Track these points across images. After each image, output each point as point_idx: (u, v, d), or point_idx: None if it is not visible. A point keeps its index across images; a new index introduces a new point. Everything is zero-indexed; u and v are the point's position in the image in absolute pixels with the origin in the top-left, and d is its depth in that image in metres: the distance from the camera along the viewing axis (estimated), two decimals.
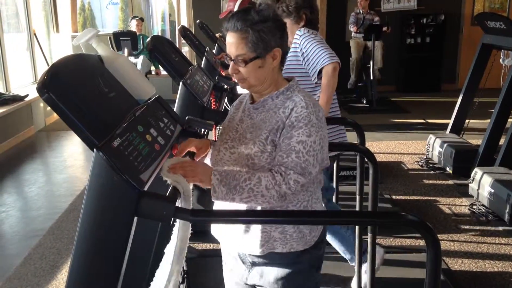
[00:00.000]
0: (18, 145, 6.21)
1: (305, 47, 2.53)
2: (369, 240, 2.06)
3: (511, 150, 4.19)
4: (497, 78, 5.62)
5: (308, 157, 1.46)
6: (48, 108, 7.26)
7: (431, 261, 1.25)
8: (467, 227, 3.70)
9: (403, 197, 4.27)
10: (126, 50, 6.67)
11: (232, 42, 1.53)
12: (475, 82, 5.01)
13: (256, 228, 1.54)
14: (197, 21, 4.48)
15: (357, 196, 2.35)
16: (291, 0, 2.63)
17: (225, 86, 2.95)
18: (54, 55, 8.38)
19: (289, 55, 2.64)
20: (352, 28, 7.87)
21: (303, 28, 2.61)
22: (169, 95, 8.60)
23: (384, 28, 7.53)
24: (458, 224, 3.73)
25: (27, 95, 6.48)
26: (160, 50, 2.36)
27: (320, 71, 2.49)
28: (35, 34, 7.52)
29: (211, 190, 1.44)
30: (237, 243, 1.61)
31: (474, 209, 3.95)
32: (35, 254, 3.45)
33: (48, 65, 7.84)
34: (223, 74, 3.38)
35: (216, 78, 3.06)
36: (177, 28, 9.90)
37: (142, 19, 7.13)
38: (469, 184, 4.16)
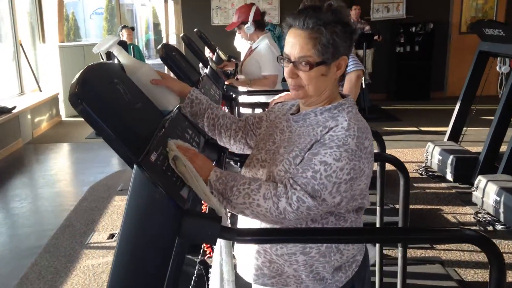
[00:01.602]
0: (6, 159, 6.01)
1: None
2: (400, 255, 1.97)
3: None
4: (491, 85, 5.65)
5: (327, 181, 1.24)
6: (36, 119, 7.07)
7: (496, 279, 1.18)
8: None
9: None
10: (116, 60, 6.51)
11: (297, 41, 1.33)
12: (472, 89, 5.01)
13: (267, 257, 1.39)
14: (195, 30, 4.39)
15: (378, 208, 2.26)
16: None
17: (233, 95, 2.87)
18: (41, 66, 8.20)
19: None
20: None
21: None
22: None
23: (375, 37, 7.54)
24: None
25: (14, 107, 6.29)
26: (172, 58, 2.27)
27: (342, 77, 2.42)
28: (21, 45, 7.34)
29: (208, 186, 1.27)
30: (248, 271, 1.45)
31: (479, 217, 3.91)
32: (32, 273, 3.28)
33: (34, 76, 7.66)
34: (227, 83, 3.29)
35: (224, 87, 2.98)
36: (168, 37, 9.80)
37: (132, 28, 7.00)
38: (473, 192, 4.12)
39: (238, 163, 1.84)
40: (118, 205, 4.36)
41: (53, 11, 8.14)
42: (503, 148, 4.51)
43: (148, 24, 21.27)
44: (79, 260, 3.42)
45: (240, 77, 3.63)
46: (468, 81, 4.98)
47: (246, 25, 3.55)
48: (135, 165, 1.11)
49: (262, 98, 3.15)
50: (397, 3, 8.65)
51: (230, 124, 1.62)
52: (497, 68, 4.98)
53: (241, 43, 6.94)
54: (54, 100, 7.88)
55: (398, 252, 2.00)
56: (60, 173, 5.57)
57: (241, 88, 3.38)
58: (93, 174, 5.30)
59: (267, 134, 1.51)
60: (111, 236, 3.76)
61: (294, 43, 1.34)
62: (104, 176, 5.20)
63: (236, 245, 1.47)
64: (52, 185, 5.14)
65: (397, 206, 4.19)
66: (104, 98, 1.23)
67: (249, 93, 3.31)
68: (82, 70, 1.26)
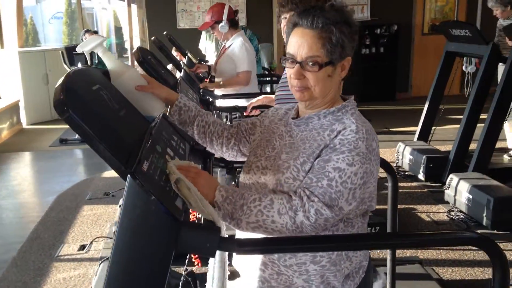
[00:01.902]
0: None
1: None
2: (388, 258, 1.95)
3: (483, 156, 4.26)
4: (454, 85, 5.75)
5: (343, 188, 1.21)
6: None
7: (499, 281, 1.16)
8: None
9: (381, 206, 4.21)
10: (80, 65, 6.34)
11: (305, 41, 1.29)
12: (440, 89, 5.09)
13: (275, 269, 1.33)
14: (165, 33, 4.30)
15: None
16: (312, 2, 2.51)
17: (210, 99, 2.80)
18: (0, 72, 7.89)
19: None
20: None
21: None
22: None
23: None
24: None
25: None
26: (148, 62, 2.18)
27: None
28: None
29: (214, 207, 1.21)
30: (254, 284, 1.38)
31: (452, 215, 3.96)
32: None
33: None
34: (201, 86, 3.22)
35: (201, 91, 2.91)
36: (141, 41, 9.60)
37: (96, 32, 6.83)
38: (445, 191, 4.17)
39: (225, 169, 1.79)
40: (88, 215, 4.21)
41: (11, 16, 7.85)
42: (472, 146, 4.60)
43: (109, 28, 20.87)
44: (49, 273, 3.28)
45: (217, 79, 3.58)
46: (436, 81, 5.06)
47: (221, 24, 3.51)
48: (128, 176, 1.03)
49: (239, 102, 3.10)
50: (361, 5, 8.76)
51: (221, 131, 1.55)
52: (464, 68, 5.07)
53: (206, 45, 6.88)
54: (14, 108, 7.59)
55: (387, 255, 1.98)
56: (24, 183, 5.35)
57: (217, 92, 3.32)
58: (59, 183, 5.11)
59: (264, 140, 1.45)
60: (82, 247, 3.62)
61: (302, 42, 1.30)
62: (70, 185, 5.03)
63: (239, 257, 1.40)
64: (15, 196, 4.94)
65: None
66: (89, 105, 1.16)
67: (225, 96, 3.25)
68: (65, 76, 1.18)
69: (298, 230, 1.19)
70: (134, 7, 9.23)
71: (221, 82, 3.41)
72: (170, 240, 1.06)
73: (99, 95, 1.28)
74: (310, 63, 1.29)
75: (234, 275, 1.43)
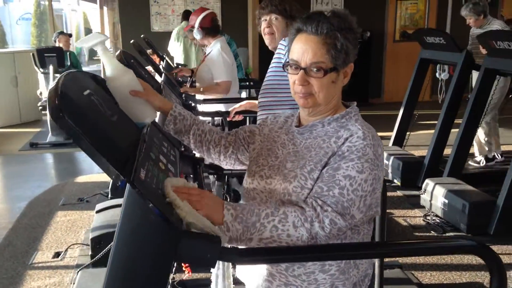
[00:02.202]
0: None
1: None
2: (377, 264, 1.96)
3: (458, 161, 4.34)
4: (425, 91, 5.85)
5: (354, 196, 1.20)
6: None
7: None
8: (426, 239, 3.74)
9: None
10: (51, 67, 6.20)
11: (309, 47, 1.28)
12: (414, 95, 5.17)
13: (283, 280, 1.31)
14: (142, 36, 4.23)
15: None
16: (292, 4, 2.51)
17: (192, 104, 2.77)
18: None
19: (271, 66, 2.50)
20: None
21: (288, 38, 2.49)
22: None
23: None
24: (417, 236, 3.76)
25: None
26: (132, 66, 2.14)
27: None
28: None
29: (224, 228, 1.16)
30: None
31: (428, 220, 4.02)
32: None
33: None
34: (181, 91, 3.18)
35: (183, 96, 2.87)
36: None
37: (70, 35, 6.69)
38: (421, 195, 4.23)
39: (215, 176, 1.76)
40: (62, 221, 4.11)
41: None
42: (446, 151, 4.68)
43: (79, 29, 20.52)
44: (23, 282, 3.17)
45: (197, 84, 3.54)
46: (410, 87, 5.14)
47: (194, 31, 3.48)
48: (127, 184, 1.00)
49: (222, 107, 3.07)
50: None
51: (218, 139, 1.52)
52: (437, 75, 5.16)
53: (174, 46, 6.83)
54: None
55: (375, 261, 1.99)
56: None
57: (198, 96, 3.28)
58: (31, 189, 4.97)
59: (265, 149, 1.43)
60: (57, 254, 3.52)
61: (306, 48, 1.29)
62: (42, 191, 4.90)
63: (244, 267, 1.37)
64: None
65: None
66: (84, 111, 1.12)
67: (207, 101, 3.22)
68: (57, 80, 1.14)
69: (313, 241, 1.17)
70: (106, 9, 9.10)
71: (201, 89, 3.37)
72: (170, 250, 1.03)
73: (91, 101, 1.24)
74: (315, 69, 1.29)
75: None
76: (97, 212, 3.64)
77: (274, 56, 2.51)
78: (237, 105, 2.75)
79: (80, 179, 5.25)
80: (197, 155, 1.67)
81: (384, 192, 1.91)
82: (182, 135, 1.51)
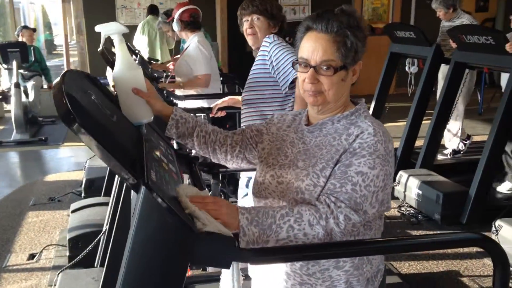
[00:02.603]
0: None
1: (275, 56, 2.40)
2: None
3: (430, 153, 4.44)
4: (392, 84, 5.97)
5: (367, 192, 1.21)
6: None
7: (501, 279, 1.20)
8: (402, 229, 3.83)
9: None
10: (15, 63, 5.99)
11: (319, 45, 1.28)
12: (385, 88, 5.25)
13: (297, 279, 1.31)
14: None
15: None
16: (272, 2, 2.50)
17: (174, 101, 2.73)
18: None
19: (256, 63, 2.50)
20: None
21: (272, 35, 2.48)
22: None
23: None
24: (393, 227, 3.84)
25: None
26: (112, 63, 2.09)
27: (293, 81, 2.38)
28: None
29: (240, 233, 1.16)
30: None
31: (403, 211, 4.11)
32: None
33: None
34: (160, 87, 3.14)
35: (164, 92, 2.82)
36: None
37: (34, 30, 6.48)
38: (395, 187, 4.31)
39: (211, 174, 1.75)
40: (34, 222, 3.99)
41: None
42: (418, 143, 4.79)
43: (37, 23, 19.88)
44: None
45: (178, 79, 3.51)
46: (381, 81, 5.21)
47: (173, 23, 3.46)
48: (143, 187, 0.97)
49: (204, 103, 3.04)
50: (303, 6, 8.88)
51: (223, 138, 1.50)
52: (406, 68, 5.26)
53: (139, 41, 6.74)
54: None
55: None
56: None
57: (178, 92, 3.25)
58: None
59: (275, 148, 1.42)
60: (31, 256, 3.42)
61: (316, 47, 1.30)
62: (11, 191, 4.74)
63: (256, 268, 1.36)
64: None
65: None
66: (91, 113, 1.09)
67: (189, 97, 3.19)
68: (60, 81, 1.10)
69: (328, 238, 1.18)
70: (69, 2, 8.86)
71: (181, 83, 3.34)
72: (186, 251, 1.01)
73: (92, 101, 1.21)
74: (325, 67, 1.29)
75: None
76: (73, 212, 3.56)
77: (258, 54, 2.51)
78: (220, 101, 2.73)
79: (50, 177, 5.12)
80: (192, 154, 1.65)
81: None
82: (186, 138, 1.48)
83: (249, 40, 2.56)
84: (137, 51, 4.11)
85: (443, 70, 4.91)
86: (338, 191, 1.22)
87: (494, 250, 1.20)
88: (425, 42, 4.60)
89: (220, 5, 8.30)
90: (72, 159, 5.92)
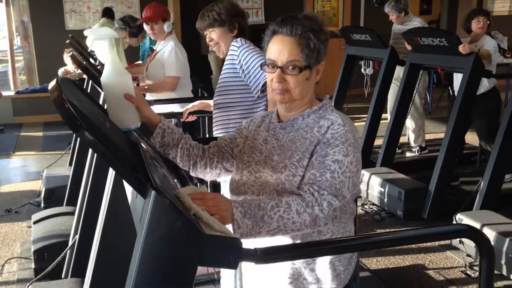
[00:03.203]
0: None
1: (245, 60, 2.40)
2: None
3: (389, 152, 4.58)
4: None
5: (344, 178, 1.33)
6: None
7: (486, 269, 1.26)
8: (367, 226, 3.93)
9: None
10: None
11: (285, 47, 1.39)
12: (343, 90, 5.38)
13: (286, 264, 1.39)
14: (70, 36, 4.04)
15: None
16: (221, 7, 2.49)
17: None
18: None
19: (225, 67, 2.50)
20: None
21: (239, 39, 2.48)
22: (11, 119, 7.68)
23: None
24: (358, 225, 3.93)
25: None
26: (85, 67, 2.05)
27: (264, 85, 2.40)
28: None
29: (234, 226, 1.21)
30: (264, 280, 1.44)
31: (366, 208, 4.22)
32: None
33: None
34: None
35: None
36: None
37: None
38: None
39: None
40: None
41: None
42: (377, 142, 4.93)
43: None
44: None
45: (148, 82, 3.45)
46: (339, 82, 5.33)
47: (165, 24, 3.43)
48: (153, 192, 0.96)
49: (175, 108, 3.01)
50: (256, 9, 8.95)
51: (202, 152, 1.55)
52: (362, 70, 5.40)
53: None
54: None
55: None
56: None
57: (148, 96, 3.20)
58: None
59: (248, 147, 1.51)
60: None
61: (282, 49, 1.40)
62: None
63: (255, 267, 1.40)
64: None
65: None
66: (92, 119, 1.07)
67: (158, 102, 3.14)
68: (56, 89, 1.07)
69: (313, 224, 1.27)
70: (16, 5, 8.54)
71: (146, 87, 3.30)
72: (195, 254, 1.02)
73: (87, 108, 1.19)
74: (290, 67, 1.39)
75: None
76: (35, 223, 3.44)
77: (227, 58, 2.52)
78: (190, 105, 2.72)
79: (3, 188, 4.92)
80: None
81: None
82: (170, 148, 1.50)
83: (216, 52, 2.60)
84: (94, 55, 4.02)
85: (398, 71, 5.06)
86: (319, 180, 1.32)
87: (481, 240, 1.26)
88: (381, 44, 4.75)
89: (173, 8, 8.23)
90: (25, 168, 5.71)
